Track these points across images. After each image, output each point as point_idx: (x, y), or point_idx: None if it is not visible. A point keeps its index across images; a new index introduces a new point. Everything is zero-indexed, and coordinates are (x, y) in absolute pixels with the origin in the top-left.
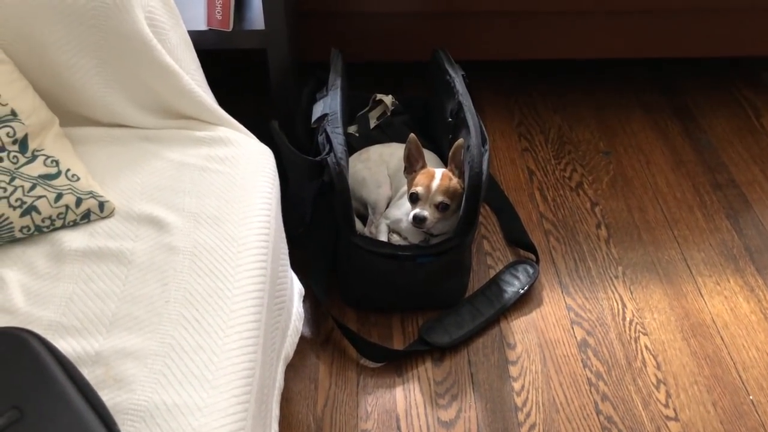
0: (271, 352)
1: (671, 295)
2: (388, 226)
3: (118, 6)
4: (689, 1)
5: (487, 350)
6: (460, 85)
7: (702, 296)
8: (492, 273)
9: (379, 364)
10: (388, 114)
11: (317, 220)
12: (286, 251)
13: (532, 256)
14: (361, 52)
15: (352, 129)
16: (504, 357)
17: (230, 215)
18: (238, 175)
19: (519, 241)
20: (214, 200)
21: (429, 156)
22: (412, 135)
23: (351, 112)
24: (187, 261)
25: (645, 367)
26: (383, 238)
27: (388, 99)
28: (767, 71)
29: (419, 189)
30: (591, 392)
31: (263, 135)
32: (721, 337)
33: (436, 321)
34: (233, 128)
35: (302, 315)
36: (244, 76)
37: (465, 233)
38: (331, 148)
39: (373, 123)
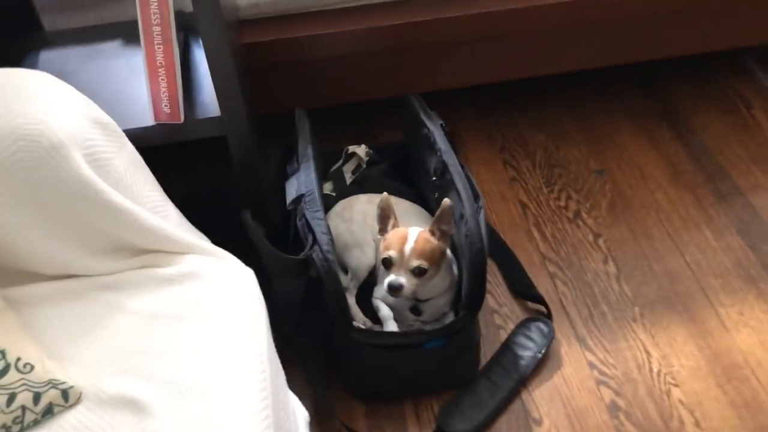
0: None
1: (696, 335)
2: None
3: (50, 153)
4: (664, 3)
5: (512, 431)
6: (441, 141)
7: (728, 330)
8: (502, 334)
9: None
10: (364, 166)
11: (308, 317)
12: (286, 390)
13: (543, 309)
14: (326, 96)
15: (327, 188)
16: None
17: (217, 378)
18: (219, 320)
19: (526, 294)
20: (195, 360)
21: (412, 209)
22: (384, 194)
23: (324, 168)
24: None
25: (683, 426)
26: (392, 327)
27: (361, 150)
28: (753, 59)
29: (391, 253)
30: None
31: (235, 231)
32: (757, 378)
33: (453, 404)
34: (203, 253)
35: None
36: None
37: (473, 311)
38: (315, 240)
39: (348, 178)
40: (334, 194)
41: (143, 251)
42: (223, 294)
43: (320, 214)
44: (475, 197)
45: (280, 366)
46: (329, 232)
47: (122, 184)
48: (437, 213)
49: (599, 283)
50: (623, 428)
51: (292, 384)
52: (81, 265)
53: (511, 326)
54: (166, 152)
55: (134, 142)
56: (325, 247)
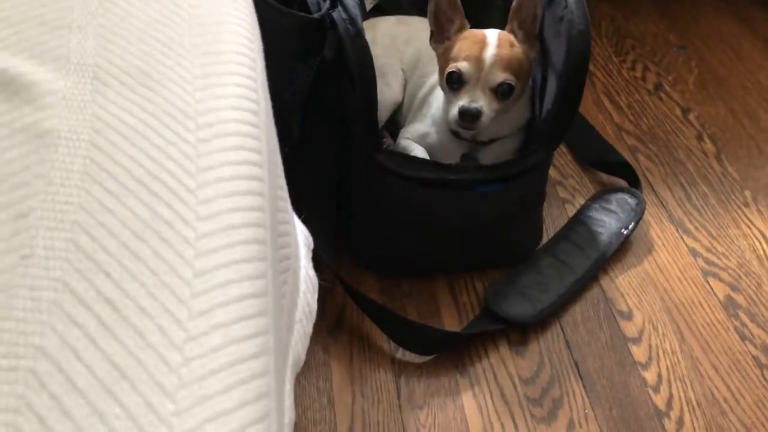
0: (278, 358)
1: None
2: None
3: None
4: None
5: (591, 323)
6: None
7: None
8: (570, 210)
9: (428, 357)
10: None
11: (314, 129)
12: (280, 162)
13: (623, 182)
14: None
15: None
16: (619, 333)
17: (174, 69)
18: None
19: (602, 162)
20: (134, 42)
21: None
22: None
23: None
24: (78, 163)
25: None
26: (420, 155)
27: None
28: None
29: (463, 65)
30: (765, 377)
31: None
32: None
33: (507, 284)
34: None
35: (315, 280)
36: None
37: (556, 136)
38: (336, 1)
39: (369, 3)
40: None
41: None
42: None
43: None
44: None
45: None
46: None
47: None
48: (515, 1)
49: (694, 161)
50: (747, 331)
51: None
52: None
53: (581, 201)
54: None
55: None
56: (353, 10)
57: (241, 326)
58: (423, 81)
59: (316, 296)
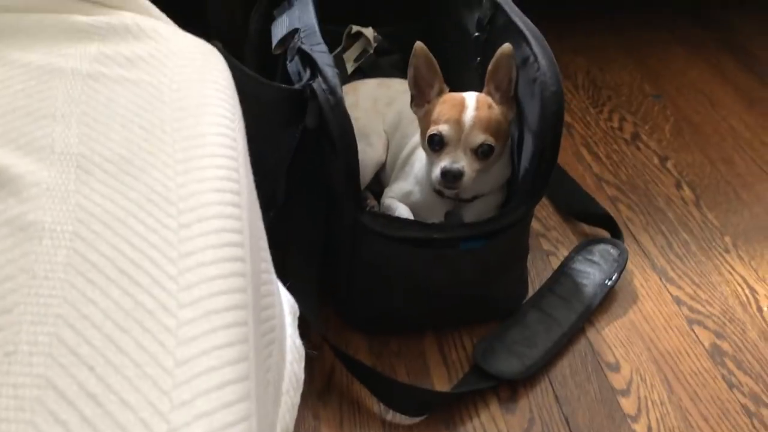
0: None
1: None
2: (392, 200)
3: None
4: None
5: (580, 377)
6: None
7: None
8: (554, 262)
9: (419, 418)
10: (371, 51)
11: (298, 193)
12: (263, 232)
13: (605, 233)
14: None
15: None
16: (608, 385)
17: (156, 155)
18: (164, 84)
19: (583, 213)
20: (117, 129)
21: None
22: (418, 44)
23: None
24: (61, 255)
25: None
26: (404, 215)
27: (368, 31)
28: None
29: (444, 128)
30: (755, 426)
31: None
32: None
33: (495, 340)
34: (146, 13)
35: (302, 349)
36: None
37: (535, 194)
38: (316, 72)
39: (350, 67)
40: None
41: None
42: (174, 60)
43: (323, 47)
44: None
45: (258, 207)
46: (336, 66)
47: None
48: (492, 62)
49: (674, 209)
50: (734, 378)
51: None
52: None
53: (565, 252)
54: None
55: None
56: (332, 81)
57: (223, 414)
58: (405, 141)
59: (302, 365)
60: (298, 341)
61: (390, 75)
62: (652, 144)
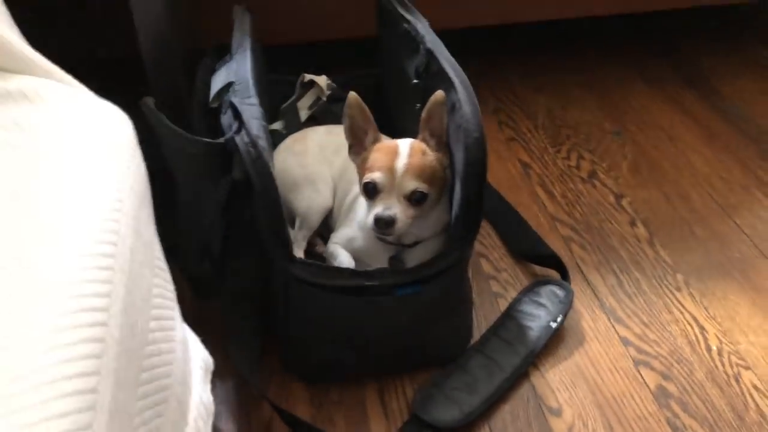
0: None
1: (763, 306)
2: (336, 246)
3: None
4: None
5: (520, 423)
6: (424, 29)
7: None
8: (502, 304)
9: None
10: (324, 99)
11: (234, 245)
12: (171, 291)
13: (556, 274)
14: (282, 31)
15: (277, 125)
16: (548, 430)
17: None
18: (46, 148)
19: (532, 254)
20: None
21: None
22: (351, 94)
23: (273, 105)
24: None
25: (765, 420)
26: (345, 262)
27: (321, 80)
28: None
29: (377, 175)
30: None
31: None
32: None
33: (434, 387)
34: (50, 77)
35: (211, 406)
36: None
37: (466, 239)
38: (242, 125)
39: (304, 114)
40: (285, 132)
41: None
42: (66, 124)
43: (253, 100)
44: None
45: (162, 264)
46: (263, 119)
47: None
48: (425, 110)
49: (627, 248)
50: (679, 422)
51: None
52: None
53: (514, 294)
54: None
55: None
56: (255, 132)
57: None
58: (350, 188)
59: (210, 421)
60: (207, 397)
61: (342, 122)
62: (608, 182)
